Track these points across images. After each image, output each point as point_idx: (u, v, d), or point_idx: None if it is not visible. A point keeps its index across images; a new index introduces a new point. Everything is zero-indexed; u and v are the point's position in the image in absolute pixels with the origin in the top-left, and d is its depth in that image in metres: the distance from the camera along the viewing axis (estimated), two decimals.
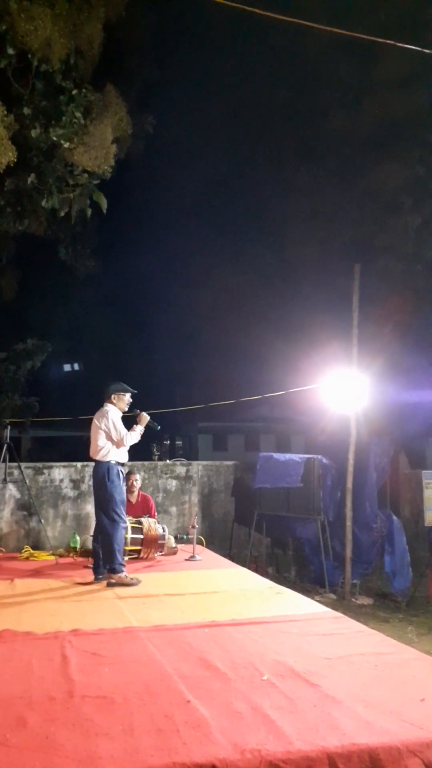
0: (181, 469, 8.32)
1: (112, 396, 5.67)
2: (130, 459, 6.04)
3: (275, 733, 2.49)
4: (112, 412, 5.56)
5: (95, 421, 5.60)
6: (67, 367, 20.47)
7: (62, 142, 6.95)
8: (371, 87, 10.79)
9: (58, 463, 7.85)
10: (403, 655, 3.54)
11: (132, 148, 8.87)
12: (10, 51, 6.63)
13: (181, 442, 28.25)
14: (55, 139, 6.93)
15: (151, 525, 6.54)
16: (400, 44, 5.78)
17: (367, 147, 10.87)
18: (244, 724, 2.59)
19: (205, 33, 10.71)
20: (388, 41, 5.78)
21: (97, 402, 5.80)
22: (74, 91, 7.04)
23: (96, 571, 5.53)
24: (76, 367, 21.11)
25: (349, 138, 11.22)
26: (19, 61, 6.87)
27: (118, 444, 5.48)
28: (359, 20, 9.17)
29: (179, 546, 7.05)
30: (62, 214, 7.73)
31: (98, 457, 5.51)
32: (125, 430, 5.51)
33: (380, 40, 5.80)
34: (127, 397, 5.71)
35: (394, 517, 7.81)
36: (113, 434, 5.46)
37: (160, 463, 8.38)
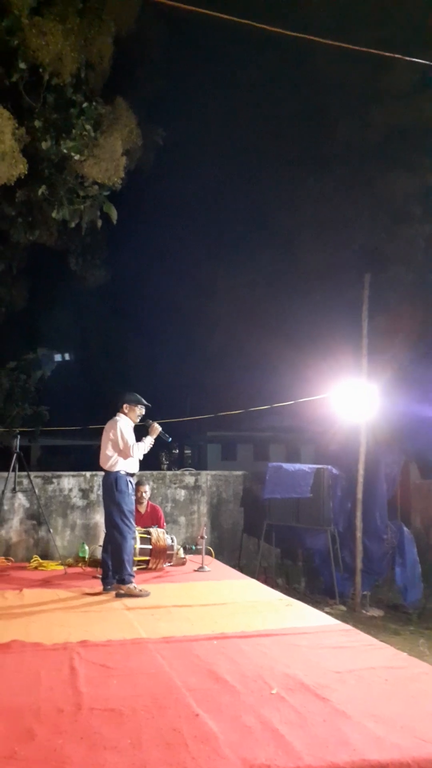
0: (190, 479, 8.31)
1: (124, 406, 5.67)
2: (139, 468, 6.04)
3: (285, 749, 2.47)
4: (122, 422, 5.56)
5: (105, 430, 5.61)
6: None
7: (73, 154, 7.02)
8: (380, 96, 10.82)
9: (67, 473, 7.85)
10: (415, 669, 3.50)
11: (142, 160, 8.94)
12: (22, 65, 6.72)
13: (190, 452, 28.21)
14: (65, 151, 7.00)
15: (160, 535, 6.52)
16: (406, 58, 5.80)
17: (376, 156, 10.88)
18: (254, 738, 2.57)
19: (214, 45, 10.80)
20: (395, 55, 5.80)
21: (106, 411, 5.81)
22: (85, 104, 7.11)
23: (105, 581, 5.51)
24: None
25: (358, 147, 11.24)
26: (31, 74, 6.97)
27: (124, 455, 5.47)
28: (367, 31, 9.22)
29: (188, 556, 7.02)
30: (73, 225, 7.79)
31: (107, 467, 5.51)
32: (133, 441, 5.49)
33: (386, 54, 5.81)
34: (139, 409, 5.70)
35: (405, 528, 7.75)
36: (119, 444, 5.45)
37: (169, 472, 8.36)
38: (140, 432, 5.73)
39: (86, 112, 7.05)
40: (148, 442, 5.61)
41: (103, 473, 5.66)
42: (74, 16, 6.85)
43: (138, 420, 5.71)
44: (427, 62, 5.36)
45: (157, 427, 5.69)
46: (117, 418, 5.61)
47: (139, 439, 5.63)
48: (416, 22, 9.80)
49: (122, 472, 5.48)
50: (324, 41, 5.20)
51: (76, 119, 6.99)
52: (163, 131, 9.01)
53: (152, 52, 9.67)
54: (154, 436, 5.67)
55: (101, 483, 5.72)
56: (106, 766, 2.32)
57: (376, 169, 10.82)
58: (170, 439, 5.88)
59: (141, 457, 5.65)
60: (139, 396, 5.74)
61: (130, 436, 5.51)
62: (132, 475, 5.62)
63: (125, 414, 5.65)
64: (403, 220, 10.53)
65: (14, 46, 6.60)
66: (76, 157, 7.03)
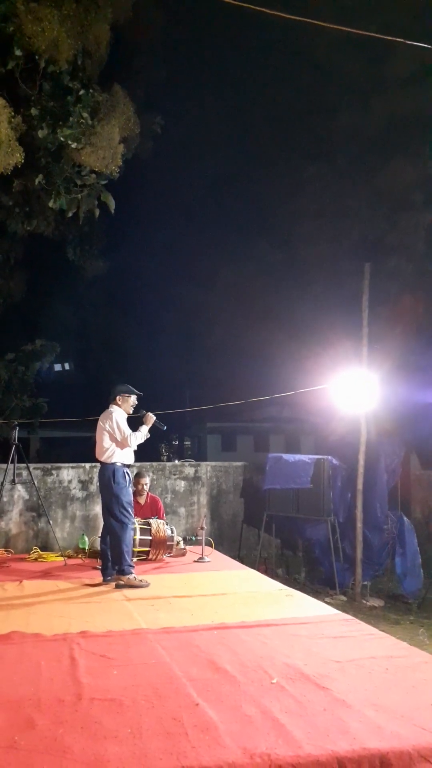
0: (189, 470, 8.30)
1: (117, 397, 5.67)
2: (139, 459, 6.01)
3: (285, 738, 2.46)
4: (117, 413, 5.56)
5: (100, 422, 5.60)
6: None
7: (70, 142, 6.95)
8: (381, 84, 10.73)
9: (66, 464, 7.85)
10: (415, 658, 3.49)
11: (140, 148, 8.86)
12: (18, 52, 6.64)
13: (189, 443, 28.22)
14: (62, 139, 6.94)
15: (160, 526, 6.52)
16: (408, 42, 5.72)
17: (377, 145, 10.80)
18: (254, 728, 2.56)
19: (212, 32, 10.69)
20: (397, 39, 5.72)
21: (105, 403, 5.80)
22: (81, 92, 7.04)
23: (104, 572, 5.51)
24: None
25: (359, 136, 11.16)
26: (27, 62, 6.89)
27: (122, 444, 5.48)
28: (368, 18, 9.12)
29: (188, 547, 7.02)
30: (70, 214, 7.74)
31: (103, 459, 5.50)
32: (129, 431, 5.50)
33: (388, 38, 5.74)
34: (133, 399, 5.71)
35: (405, 519, 7.75)
36: (117, 434, 5.45)
37: (169, 463, 8.36)
38: (135, 423, 5.72)
39: (83, 99, 6.98)
40: (144, 431, 5.60)
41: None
42: (70, 1, 6.77)
43: (132, 410, 5.70)
44: (429, 46, 5.28)
45: (151, 417, 5.69)
46: (111, 409, 5.61)
47: (135, 429, 5.63)
48: (417, 10, 9.69)
49: (119, 464, 5.48)
50: (325, 24, 5.13)
51: (73, 107, 6.92)
52: (162, 119, 8.93)
53: (150, 39, 9.56)
54: (149, 426, 5.66)
55: (98, 475, 5.71)
56: (107, 755, 2.32)
57: (377, 158, 10.74)
58: (165, 427, 5.88)
59: (135, 447, 5.64)
60: (130, 386, 5.73)
61: (127, 426, 5.52)
62: (129, 466, 5.62)
63: (119, 405, 5.65)
64: (404, 209, 10.47)
65: (10, 33, 6.52)
66: (73, 145, 6.96)
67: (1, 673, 3.19)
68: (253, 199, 13.48)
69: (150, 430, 5.67)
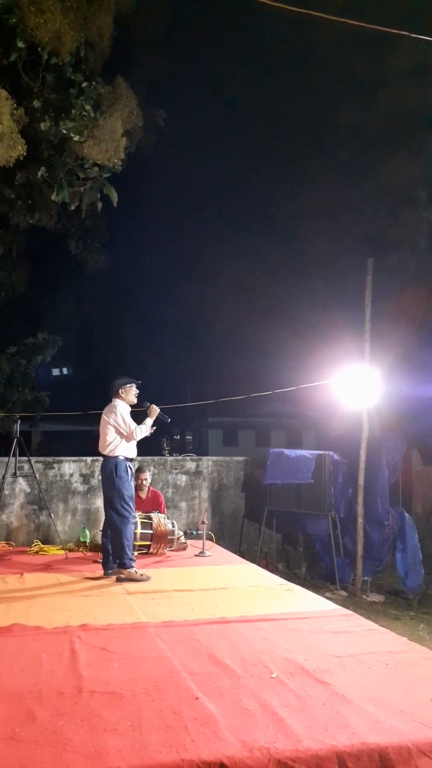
0: (191, 465, 8.30)
1: (120, 390, 5.66)
2: (140, 454, 6.01)
3: (284, 732, 2.46)
4: (120, 407, 5.55)
5: (104, 416, 5.59)
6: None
7: (72, 135, 6.90)
8: (384, 79, 10.66)
9: (68, 458, 7.85)
10: (415, 653, 3.50)
11: (143, 142, 8.82)
12: (21, 44, 6.58)
13: (191, 437, 28.24)
14: (65, 132, 6.89)
15: (161, 520, 6.53)
16: (413, 35, 5.67)
17: (380, 140, 10.75)
18: (253, 721, 2.56)
19: (216, 26, 10.64)
20: (402, 32, 5.67)
21: (107, 397, 5.79)
22: (84, 84, 6.98)
23: (105, 566, 5.52)
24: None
25: (362, 131, 11.10)
26: (29, 54, 6.83)
27: (128, 438, 5.48)
28: (372, 12, 9.05)
29: (189, 542, 7.03)
30: (73, 207, 7.69)
31: (106, 453, 5.50)
32: (134, 424, 5.50)
33: (393, 31, 5.68)
34: (134, 389, 5.70)
35: (406, 514, 7.75)
36: (122, 428, 5.45)
37: (170, 458, 8.36)
38: (138, 416, 5.72)
39: (86, 92, 6.92)
40: (149, 423, 5.60)
41: (102, 458, 5.65)
42: None
43: (135, 401, 5.70)
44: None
45: (155, 409, 5.69)
46: (115, 403, 5.60)
47: (138, 422, 5.62)
48: (421, 4, 9.62)
49: (121, 458, 5.48)
50: (329, 17, 5.08)
51: (76, 99, 6.86)
52: (165, 113, 8.87)
53: (154, 31, 9.50)
54: (154, 418, 5.66)
55: (100, 469, 5.71)
56: (107, 747, 2.32)
57: (380, 154, 10.69)
58: (169, 419, 5.88)
59: (139, 440, 5.64)
60: (128, 377, 5.73)
61: (131, 419, 5.52)
62: (131, 460, 5.62)
63: (122, 398, 5.64)
64: (407, 204, 10.43)
65: (12, 25, 6.47)
66: (76, 137, 6.91)
67: (1, 665, 3.19)
68: (256, 195, 13.45)
69: (154, 423, 5.68)
